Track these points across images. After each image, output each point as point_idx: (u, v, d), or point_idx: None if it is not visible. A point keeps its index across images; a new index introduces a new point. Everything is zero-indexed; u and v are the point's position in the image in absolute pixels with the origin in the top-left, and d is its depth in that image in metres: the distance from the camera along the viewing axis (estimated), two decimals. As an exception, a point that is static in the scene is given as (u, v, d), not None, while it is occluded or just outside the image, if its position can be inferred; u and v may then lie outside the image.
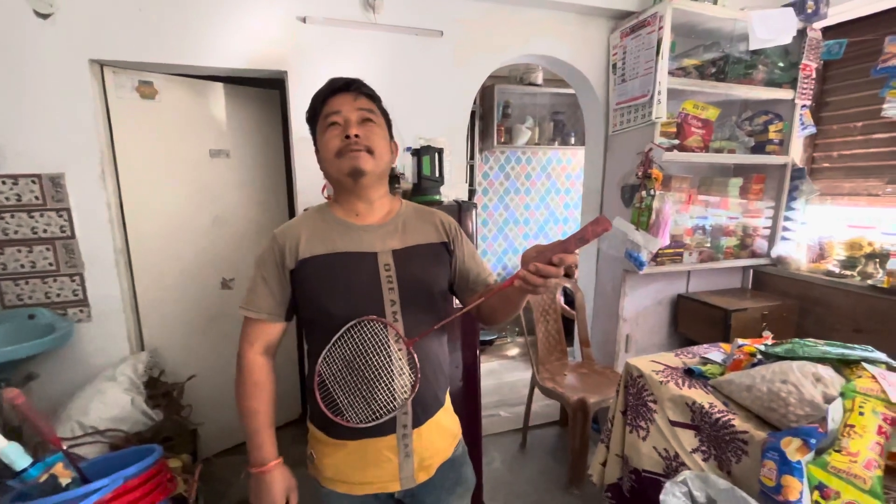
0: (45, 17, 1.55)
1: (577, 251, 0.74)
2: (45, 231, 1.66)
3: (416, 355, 0.84)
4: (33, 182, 1.62)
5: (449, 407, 1.01)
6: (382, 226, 0.92)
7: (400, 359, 0.84)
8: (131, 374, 1.70)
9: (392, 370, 0.83)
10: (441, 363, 0.96)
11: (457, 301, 1.06)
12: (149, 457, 1.25)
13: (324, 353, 0.84)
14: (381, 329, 0.83)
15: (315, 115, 0.90)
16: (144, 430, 1.63)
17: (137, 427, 1.61)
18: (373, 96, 0.91)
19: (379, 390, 0.83)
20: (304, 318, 0.92)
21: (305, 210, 1.00)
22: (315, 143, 0.93)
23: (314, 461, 0.95)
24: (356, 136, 0.85)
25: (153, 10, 1.64)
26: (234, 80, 2.06)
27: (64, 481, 1.12)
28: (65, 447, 1.19)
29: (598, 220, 0.71)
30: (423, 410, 0.90)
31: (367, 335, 0.83)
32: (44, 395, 1.68)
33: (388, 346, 0.83)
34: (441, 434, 0.95)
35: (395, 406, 0.83)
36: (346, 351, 0.83)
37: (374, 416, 0.82)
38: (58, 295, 1.71)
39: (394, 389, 0.83)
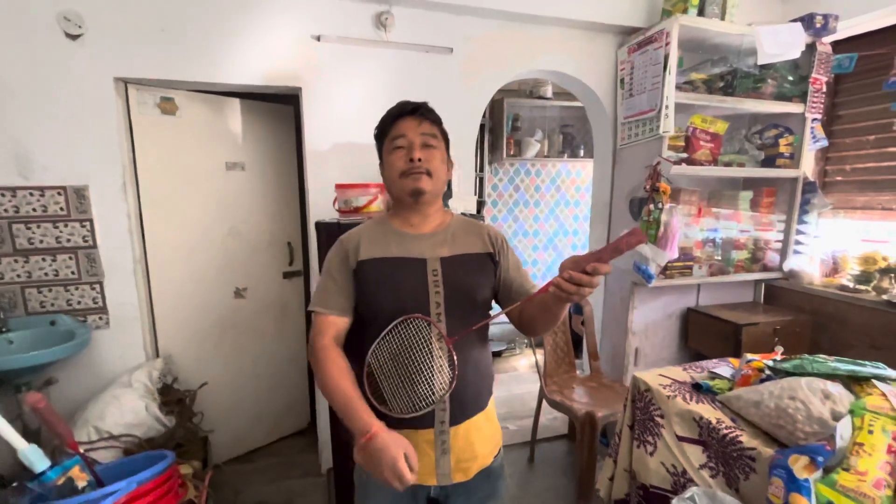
0: (74, 38, 1.64)
1: (610, 262, 0.78)
2: (68, 241, 1.73)
3: (454, 353, 0.89)
4: (59, 194, 1.69)
5: (492, 415, 1.05)
6: (434, 235, 1.00)
7: (441, 356, 0.90)
8: (146, 381, 1.75)
9: (433, 366, 0.89)
10: (482, 368, 1.01)
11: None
12: (161, 462, 1.28)
13: (373, 345, 0.91)
14: (425, 327, 0.90)
15: (383, 133, 1.00)
16: (157, 437, 1.66)
17: (151, 433, 1.65)
18: (436, 121, 1.00)
19: (420, 384, 0.88)
20: (359, 313, 0.98)
21: (368, 219, 1.11)
22: (381, 158, 1.03)
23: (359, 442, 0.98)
24: (419, 159, 0.94)
25: (175, 30, 1.72)
26: (251, 96, 2.13)
27: (80, 484, 1.15)
28: (82, 451, 1.22)
29: (633, 231, 0.74)
30: (460, 410, 0.95)
31: (412, 331, 0.90)
32: (62, 399, 1.73)
33: (431, 344, 0.90)
34: (480, 438, 0.98)
35: (433, 400, 0.88)
36: (392, 345, 0.90)
37: (414, 408, 0.88)
38: (79, 302, 1.77)
39: (433, 384, 0.88)
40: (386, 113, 1.01)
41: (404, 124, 0.96)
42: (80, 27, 1.62)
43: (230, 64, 1.81)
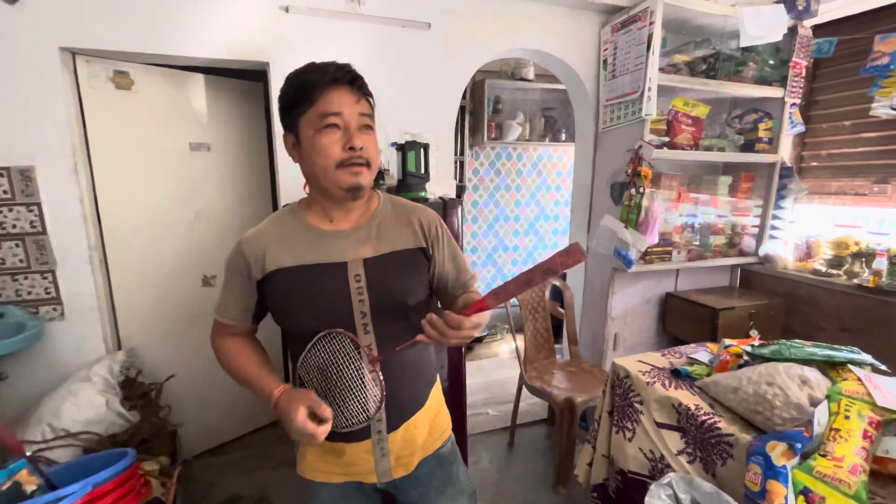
0: (12, 2, 1.48)
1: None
2: (14, 226, 1.60)
3: (381, 375, 0.80)
4: (1, 175, 1.55)
5: (434, 404, 0.98)
6: (355, 230, 0.87)
7: (371, 370, 0.81)
8: (106, 375, 1.65)
9: (364, 381, 0.80)
10: (420, 366, 0.94)
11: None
12: (122, 461, 1.21)
13: (300, 359, 0.84)
14: (348, 342, 0.81)
15: (302, 102, 0.78)
16: (120, 433, 1.58)
17: (113, 429, 1.56)
18: (370, 95, 0.84)
19: (351, 400, 0.81)
20: (278, 323, 0.89)
21: (277, 210, 0.97)
22: (293, 134, 0.82)
23: (298, 451, 0.96)
24: (360, 148, 0.79)
25: (128, -4, 1.57)
26: (216, 72, 1.99)
27: (29, 488, 1.07)
28: (31, 453, 1.14)
29: (569, 249, 0.65)
30: (398, 416, 0.89)
31: (337, 347, 0.81)
32: (14, 396, 1.62)
33: (359, 358, 0.80)
34: (420, 433, 0.93)
35: (367, 416, 0.81)
36: (319, 360, 0.82)
37: (348, 423, 0.81)
38: (28, 293, 1.65)
39: (366, 400, 0.81)
40: (307, 73, 0.79)
41: (339, 97, 0.77)
42: (17, -10, 1.47)
43: (191, 35, 1.67)
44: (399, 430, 0.89)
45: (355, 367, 0.80)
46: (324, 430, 0.75)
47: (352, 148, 0.78)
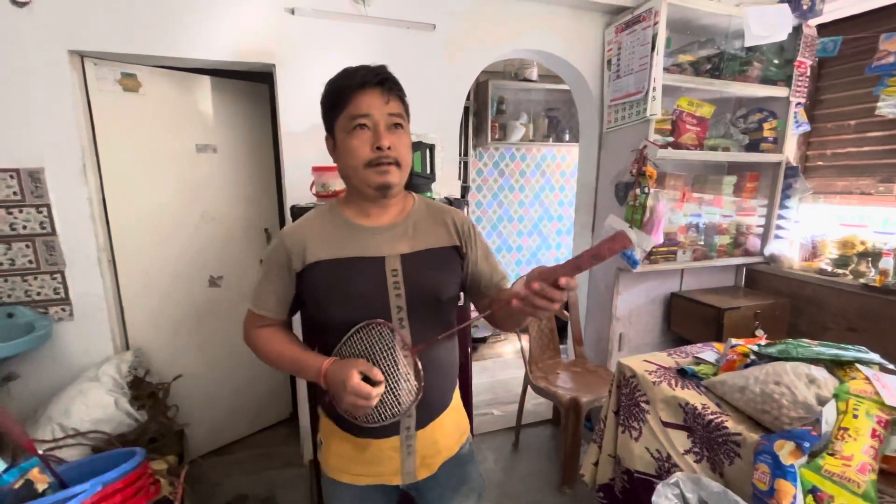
0: (21, 5, 1.50)
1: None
2: (24, 227, 1.61)
3: (419, 364, 0.83)
4: (11, 177, 1.57)
5: (457, 405, 1.01)
6: (392, 227, 0.89)
7: (406, 364, 0.83)
8: (115, 374, 1.66)
9: (398, 375, 0.82)
10: (449, 366, 0.96)
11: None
12: (131, 460, 1.22)
13: (335, 350, 0.85)
14: (388, 334, 0.82)
15: (336, 106, 0.83)
16: (128, 432, 1.59)
17: (121, 428, 1.58)
18: (403, 96, 0.86)
19: (386, 393, 0.81)
20: (314, 317, 0.90)
21: (314, 208, 0.99)
22: (331, 135, 0.87)
23: (321, 447, 0.97)
24: (388, 147, 0.80)
25: (136, -1, 1.59)
26: (222, 74, 2.00)
27: (40, 487, 1.08)
28: (41, 451, 1.15)
29: (615, 236, 0.65)
30: (427, 414, 0.91)
31: (374, 338, 0.82)
32: (24, 395, 1.64)
33: (395, 352, 0.82)
34: (444, 433, 0.95)
35: (399, 411, 0.82)
36: (353, 352, 0.83)
37: (378, 419, 0.82)
38: (38, 293, 1.66)
39: (399, 394, 0.82)
40: (340, 78, 0.83)
41: (367, 100, 0.80)
42: (27, -7, 1.48)
43: (197, 38, 1.68)
44: (426, 428, 0.91)
45: (392, 359, 0.81)
46: (378, 392, 0.76)
47: (379, 147, 0.80)
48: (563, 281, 0.68)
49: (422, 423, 0.90)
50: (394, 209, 0.91)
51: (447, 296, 0.90)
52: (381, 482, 0.92)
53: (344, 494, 0.93)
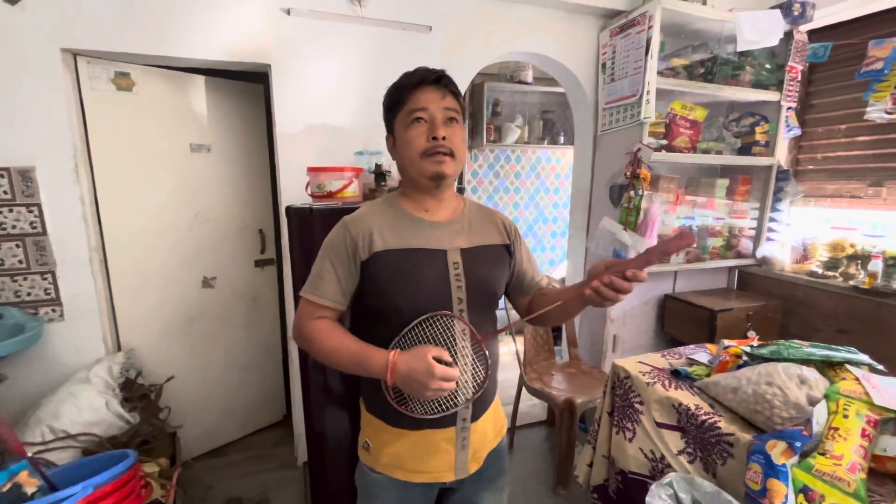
0: (13, 3, 1.48)
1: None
2: (14, 227, 1.59)
3: (487, 352, 0.85)
4: (1, 176, 1.55)
5: (497, 400, 1.03)
6: (450, 223, 0.93)
7: (465, 356, 0.85)
8: (106, 376, 1.65)
9: (460, 366, 0.84)
10: (496, 360, 0.98)
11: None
12: (122, 462, 1.21)
13: (393, 343, 0.85)
14: (451, 325, 0.84)
15: (396, 104, 0.88)
16: (120, 434, 1.57)
17: (112, 431, 1.56)
18: (458, 94, 0.90)
19: None
20: (371, 307, 0.90)
21: (372, 200, 1.01)
22: (391, 132, 0.92)
23: (370, 449, 0.95)
24: (443, 137, 0.84)
25: (130, -2, 1.58)
26: (217, 73, 1.99)
27: (29, 490, 1.07)
28: (30, 454, 1.14)
29: (682, 234, 0.71)
30: (481, 405, 0.93)
31: (437, 330, 0.84)
32: (13, 397, 1.61)
33: (456, 343, 0.84)
34: (492, 427, 0.98)
35: (458, 401, 0.84)
36: (415, 343, 0.84)
37: (438, 409, 0.83)
38: (28, 294, 1.64)
39: (458, 384, 0.83)
40: (401, 79, 0.89)
41: (425, 95, 0.85)
42: (19, -9, 1.47)
43: (192, 37, 1.68)
44: (479, 420, 0.93)
45: (454, 350, 0.83)
46: (457, 372, 0.78)
47: (434, 138, 0.84)
48: (630, 273, 0.71)
49: (476, 415, 0.92)
50: (449, 206, 0.95)
51: (499, 291, 0.96)
52: (434, 479, 0.91)
53: (389, 493, 0.93)
